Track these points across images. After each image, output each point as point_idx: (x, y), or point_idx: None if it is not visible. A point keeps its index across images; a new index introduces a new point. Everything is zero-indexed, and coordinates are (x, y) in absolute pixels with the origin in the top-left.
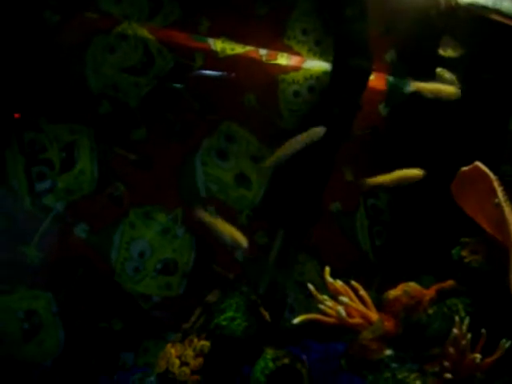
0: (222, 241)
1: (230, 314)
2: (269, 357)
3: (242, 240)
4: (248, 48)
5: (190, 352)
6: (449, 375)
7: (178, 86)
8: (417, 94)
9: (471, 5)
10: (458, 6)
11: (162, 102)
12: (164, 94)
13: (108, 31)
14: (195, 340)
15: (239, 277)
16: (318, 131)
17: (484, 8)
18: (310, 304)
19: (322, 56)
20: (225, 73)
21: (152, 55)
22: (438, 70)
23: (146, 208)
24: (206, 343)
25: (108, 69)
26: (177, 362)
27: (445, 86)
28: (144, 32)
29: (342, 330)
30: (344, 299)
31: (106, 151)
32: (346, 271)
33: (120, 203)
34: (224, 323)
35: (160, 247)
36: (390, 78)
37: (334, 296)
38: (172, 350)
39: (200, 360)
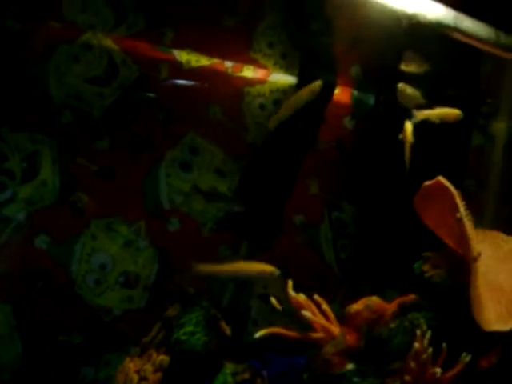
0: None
1: (189, 328)
2: (228, 371)
3: (271, 269)
4: (213, 60)
5: (148, 367)
6: None
7: (142, 96)
8: (381, 109)
9: (432, 23)
10: (420, 24)
11: (126, 112)
12: (128, 105)
13: (72, 41)
14: (154, 354)
15: (199, 291)
16: (316, 85)
17: (445, 26)
18: (274, 317)
19: (287, 69)
20: (190, 84)
21: (116, 65)
22: (400, 84)
23: (108, 219)
24: (165, 358)
25: (71, 78)
26: (135, 376)
27: (449, 110)
28: (109, 42)
29: (305, 344)
30: (306, 313)
31: (69, 162)
32: (310, 284)
33: (82, 214)
34: (183, 338)
35: (122, 259)
36: (355, 92)
37: (297, 310)
38: (131, 365)
39: (159, 375)
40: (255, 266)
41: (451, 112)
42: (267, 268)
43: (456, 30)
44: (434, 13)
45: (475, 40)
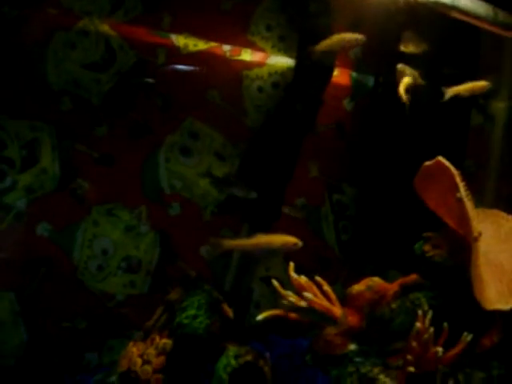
0: (274, 253)
1: (191, 312)
2: (231, 354)
3: (294, 240)
4: (211, 44)
5: (151, 351)
6: (412, 368)
7: (140, 82)
8: (380, 90)
9: (429, 1)
10: (417, 3)
11: (124, 98)
12: (126, 91)
13: (69, 27)
14: (157, 338)
15: (201, 274)
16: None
17: (443, 5)
18: (277, 299)
19: (285, 52)
20: (188, 69)
21: (114, 51)
22: (399, 65)
23: (109, 205)
24: (168, 341)
25: (69, 65)
26: (139, 360)
27: (476, 82)
28: (105, 28)
29: (307, 325)
30: (308, 295)
31: (68, 149)
32: (312, 266)
33: (82, 201)
34: (186, 321)
35: (123, 245)
36: (354, 74)
37: (299, 291)
38: (134, 349)
39: (162, 358)
40: (278, 238)
41: (478, 84)
42: (290, 239)
43: (453, 8)
44: None
45: (473, 18)
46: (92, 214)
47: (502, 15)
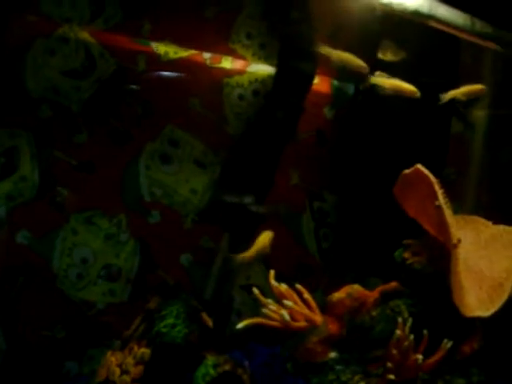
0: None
1: (170, 320)
2: (210, 363)
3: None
4: (192, 51)
5: (130, 360)
6: (392, 376)
7: (121, 89)
8: (360, 98)
9: (407, 11)
10: (395, 13)
11: (105, 105)
12: (106, 98)
13: (49, 34)
14: (135, 348)
15: (180, 283)
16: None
17: (420, 15)
18: (258, 308)
19: (266, 60)
20: (168, 76)
21: (94, 58)
22: (377, 73)
23: (88, 213)
24: (146, 351)
25: (48, 72)
26: (117, 370)
27: (472, 86)
28: (85, 35)
29: (288, 334)
30: (288, 303)
31: (48, 156)
32: (293, 274)
33: (62, 209)
34: (164, 330)
35: (103, 253)
36: (335, 82)
37: (279, 299)
38: (112, 359)
39: (140, 368)
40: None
41: (474, 88)
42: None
43: (431, 17)
44: (409, 1)
45: (451, 28)
46: (71, 222)
47: (479, 25)
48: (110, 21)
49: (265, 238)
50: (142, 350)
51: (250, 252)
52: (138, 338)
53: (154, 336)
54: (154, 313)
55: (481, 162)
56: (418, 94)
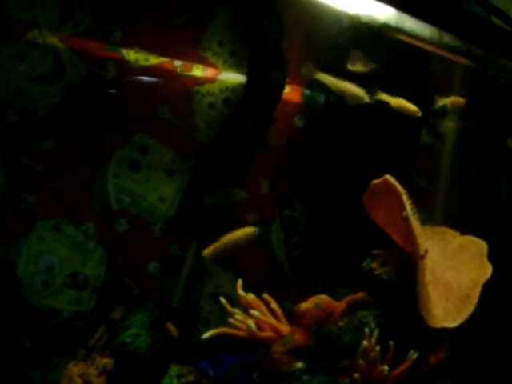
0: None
1: (134, 330)
2: (173, 374)
3: (252, 229)
4: (162, 59)
5: (92, 370)
6: None
7: (90, 96)
8: (329, 109)
9: (374, 23)
10: (362, 25)
11: (73, 112)
12: (75, 104)
13: (17, 39)
14: (98, 358)
15: (145, 292)
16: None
17: (388, 27)
18: (226, 316)
19: (237, 68)
20: (138, 83)
21: (63, 64)
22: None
23: (55, 220)
24: (109, 361)
25: (16, 77)
26: (79, 380)
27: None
28: (55, 40)
29: (256, 343)
30: (255, 313)
31: (14, 162)
32: (262, 283)
33: (28, 216)
34: (128, 340)
35: (70, 261)
36: (306, 91)
37: (246, 309)
38: (74, 369)
39: (103, 378)
40: (240, 233)
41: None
42: (250, 230)
43: (399, 30)
44: (376, 13)
45: (419, 41)
46: (37, 229)
47: (447, 38)
48: (80, 26)
49: (239, 233)
50: (105, 360)
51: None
52: (101, 348)
53: (117, 346)
54: (117, 322)
55: (450, 173)
56: (420, 114)
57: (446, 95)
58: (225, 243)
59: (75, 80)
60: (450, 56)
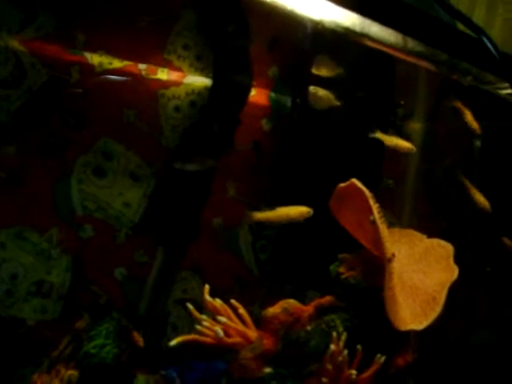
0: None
1: (99, 341)
2: (140, 383)
3: (306, 209)
4: (127, 62)
5: (56, 383)
6: None
7: (52, 100)
8: (296, 112)
9: (339, 29)
10: (326, 29)
11: (35, 117)
12: (37, 109)
13: None
14: (62, 370)
15: (110, 301)
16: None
17: (353, 32)
18: (194, 322)
19: (203, 71)
20: (102, 88)
21: (24, 68)
22: (311, 87)
23: (17, 228)
24: (73, 372)
25: None
26: None
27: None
28: (15, 44)
29: (225, 349)
30: (222, 319)
31: None
32: (230, 287)
33: None
34: (93, 351)
35: (34, 269)
36: (273, 94)
37: (213, 315)
38: (38, 382)
39: None
40: (294, 210)
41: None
42: (304, 209)
43: (363, 35)
44: (341, 19)
45: (384, 46)
46: (0, 237)
47: (411, 44)
48: (42, 30)
49: (295, 208)
50: (70, 372)
51: (271, 213)
52: (65, 360)
53: (82, 357)
54: (82, 333)
55: (417, 174)
56: (415, 150)
57: (413, 99)
58: (279, 215)
59: (37, 84)
60: (415, 60)
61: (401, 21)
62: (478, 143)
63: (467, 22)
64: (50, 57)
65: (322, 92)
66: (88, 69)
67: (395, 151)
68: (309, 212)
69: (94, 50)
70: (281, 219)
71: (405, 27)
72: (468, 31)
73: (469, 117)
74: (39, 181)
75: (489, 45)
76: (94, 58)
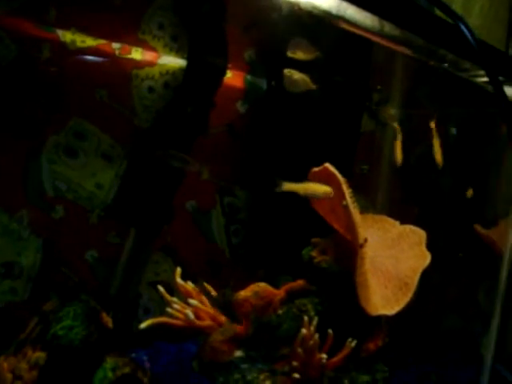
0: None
1: (67, 322)
2: (108, 366)
3: (330, 189)
4: (100, 41)
5: (23, 365)
6: (297, 375)
7: (22, 78)
8: (274, 92)
9: (314, 10)
10: (301, 11)
11: (4, 95)
12: (6, 87)
13: None
14: (30, 352)
15: (79, 283)
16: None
17: (329, 15)
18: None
19: (178, 52)
20: (74, 66)
21: None
22: (286, 70)
23: None
24: (41, 355)
25: None
26: (9, 376)
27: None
28: None
29: (196, 332)
30: (193, 302)
31: None
32: (203, 270)
33: None
34: (61, 333)
35: (3, 250)
36: (248, 77)
37: (185, 298)
38: (4, 364)
39: (34, 373)
40: (321, 188)
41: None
42: (329, 189)
43: (339, 18)
44: (317, 1)
45: (360, 29)
46: None
47: (388, 27)
48: (11, 4)
49: (321, 187)
50: (37, 354)
51: (300, 185)
52: (32, 342)
53: (49, 339)
54: (50, 314)
55: (391, 160)
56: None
57: (388, 83)
58: (305, 187)
59: (5, 60)
60: (391, 45)
61: (377, 4)
62: (453, 130)
63: (444, 7)
64: (20, 32)
65: (297, 75)
66: (60, 46)
67: (371, 136)
68: (331, 193)
69: (66, 28)
70: (307, 193)
71: (381, 11)
72: (445, 17)
73: (437, 147)
74: (9, 161)
75: (466, 31)
76: (67, 36)
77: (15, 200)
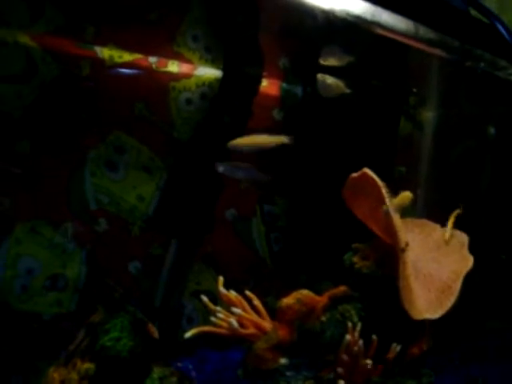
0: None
1: (115, 334)
2: (155, 376)
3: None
4: (137, 55)
5: (74, 376)
6: (342, 382)
7: (64, 95)
8: (310, 99)
9: (350, 17)
10: (338, 19)
11: (47, 112)
12: (49, 104)
13: None
14: (79, 363)
15: (125, 295)
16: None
17: (363, 20)
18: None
19: (213, 63)
20: (113, 81)
21: (35, 63)
22: (319, 75)
23: (32, 222)
24: (90, 366)
25: None
26: None
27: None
28: (25, 39)
29: (240, 340)
30: (236, 310)
31: None
32: (244, 279)
33: (5, 219)
34: (109, 344)
35: (49, 263)
36: (284, 84)
37: (229, 307)
38: (55, 375)
39: None
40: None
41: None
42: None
43: (374, 23)
44: (351, 7)
45: (395, 33)
46: (15, 232)
47: (422, 31)
48: (51, 24)
49: (274, 138)
50: (86, 365)
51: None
52: (81, 353)
53: (98, 350)
54: (98, 326)
55: (430, 162)
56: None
57: (424, 86)
58: (253, 139)
59: (48, 79)
60: (426, 48)
61: (411, 8)
62: (491, 130)
63: (479, 7)
64: (61, 51)
65: (330, 80)
66: (98, 63)
67: (409, 139)
68: (283, 139)
69: (104, 44)
70: (255, 144)
71: (416, 14)
72: (481, 17)
73: (450, 224)
74: (52, 175)
75: (502, 30)
76: (105, 52)
77: (59, 213)
